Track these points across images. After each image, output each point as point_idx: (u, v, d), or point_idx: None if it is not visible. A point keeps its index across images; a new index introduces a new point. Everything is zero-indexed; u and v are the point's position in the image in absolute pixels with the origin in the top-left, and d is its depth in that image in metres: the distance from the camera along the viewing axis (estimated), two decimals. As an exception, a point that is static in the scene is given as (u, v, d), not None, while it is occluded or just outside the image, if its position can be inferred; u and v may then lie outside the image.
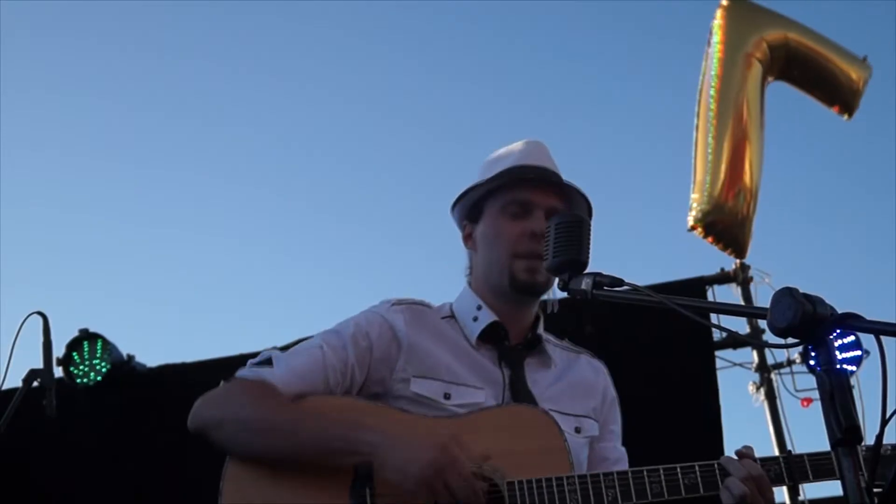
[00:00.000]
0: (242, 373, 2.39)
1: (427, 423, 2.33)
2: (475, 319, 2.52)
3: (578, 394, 2.56)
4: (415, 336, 2.45)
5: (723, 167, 6.18)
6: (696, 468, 2.27)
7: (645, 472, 2.26)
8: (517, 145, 2.63)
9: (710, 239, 6.27)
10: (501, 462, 2.26)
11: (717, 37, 6.46)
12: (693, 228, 6.25)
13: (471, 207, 2.60)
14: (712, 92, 6.38)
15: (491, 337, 2.51)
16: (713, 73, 6.41)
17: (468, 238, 2.63)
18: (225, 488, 2.30)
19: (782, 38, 6.44)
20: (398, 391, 2.40)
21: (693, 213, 6.24)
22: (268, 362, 2.39)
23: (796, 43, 6.46)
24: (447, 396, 2.39)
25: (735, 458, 2.28)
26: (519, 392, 2.45)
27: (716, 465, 2.27)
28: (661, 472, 2.26)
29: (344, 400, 2.38)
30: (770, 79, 6.54)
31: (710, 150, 6.26)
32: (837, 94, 6.59)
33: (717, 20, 6.51)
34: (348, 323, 2.47)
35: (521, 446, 2.30)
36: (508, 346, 2.52)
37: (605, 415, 2.61)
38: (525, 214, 2.51)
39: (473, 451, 2.24)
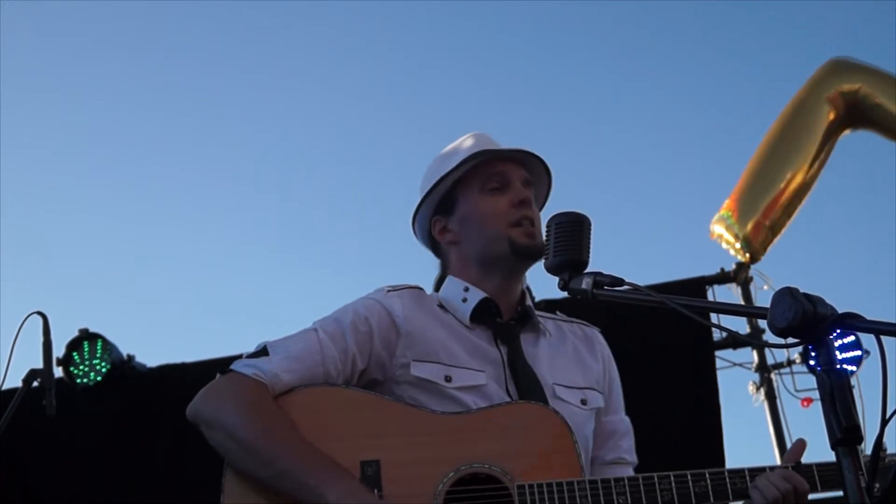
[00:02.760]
0: (239, 367, 2.35)
1: (435, 422, 2.30)
2: (464, 301, 2.52)
3: (578, 365, 2.56)
4: (412, 320, 2.44)
5: (770, 197, 6.48)
6: (707, 476, 2.24)
7: (656, 479, 2.23)
8: (464, 140, 2.63)
9: (726, 246, 6.42)
10: (510, 463, 2.24)
11: (807, 82, 6.87)
12: (714, 236, 6.49)
13: (440, 203, 2.59)
14: (783, 125, 6.76)
15: (483, 316, 2.51)
16: (790, 109, 6.79)
17: (443, 232, 2.60)
18: (226, 487, 2.28)
19: (855, 89, 6.74)
20: (399, 377, 2.39)
21: (724, 223, 6.44)
22: (263, 352, 2.36)
23: (866, 95, 6.73)
24: (448, 379, 2.38)
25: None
26: (518, 369, 2.44)
27: (726, 474, 2.25)
28: (672, 479, 2.23)
29: (347, 393, 2.35)
30: (847, 129, 6.85)
31: (762, 177, 6.56)
32: None
33: (816, 71, 6.91)
34: (346, 311, 2.45)
35: (531, 447, 2.28)
36: (501, 322, 2.52)
37: (609, 385, 2.60)
38: (504, 188, 2.53)
39: (483, 451, 2.25)
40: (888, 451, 2.31)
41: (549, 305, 5.83)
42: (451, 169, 2.56)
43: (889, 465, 2.27)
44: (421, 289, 2.59)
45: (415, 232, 2.70)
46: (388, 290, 2.51)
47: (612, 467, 2.50)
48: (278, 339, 2.40)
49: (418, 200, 2.63)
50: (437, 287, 2.64)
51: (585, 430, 2.46)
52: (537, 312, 2.59)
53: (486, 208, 2.53)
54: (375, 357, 2.40)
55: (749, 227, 6.37)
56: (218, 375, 2.38)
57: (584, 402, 2.49)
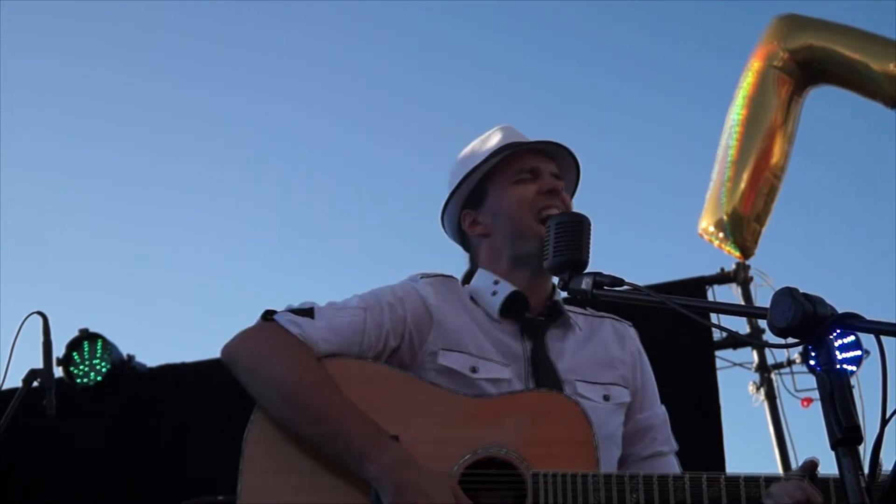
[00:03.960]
0: (284, 320, 2.35)
1: (456, 404, 2.31)
2: (494, 294, 2.51)
3: (605, 361, 2.54)
4: (443, 308, 2.45)
5: (744, 180, 6.44)
6: (721, 481, 2.23)
7: (670, 479, 2.23)
8: (491, 134, 2.63)
9: (717, 243, 6.41)
10: (527, 450, 2.25)
11: (754, 51, 6.76)
12: (703, 234, 6.52)
13: (469, 195, 2.59)
14: (740, 105, 6.67)
15: (512, 310, 2.50)
16: (744, 85, 6.69)
17: (473, 225, 2.60)
18: (247, 451, 2.28)
19: (803, 45, 6.60)
20: (427, 363, 2.40)
21: (707, 220, 6.47)
22: (308, 313, 2.37)
23: (817, 49, 6.60)
24: (474, 370, 2.38)
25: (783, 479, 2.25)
26: (541, 365, 2.43)
27: (741, 480, 2.24)
28: (686, 480, 2.23)
29: (375, 368, 2.37)
30: (809, 88, 6.72)
31: (731, 161, 6.52)
32: (875, 89, 6.60)
33: (760, 36, 6.80)
34: (385, 290, 2.47)
35: (549, 436, 2.28)
36: (530, 317, 2.51)
37: (641, 380, 2.59)
38: (535, 178, 2.54)
39: (500, 435, 2.25)
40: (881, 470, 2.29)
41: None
42: (481, 162, 2.56)
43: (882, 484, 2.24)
44: (453, 277, 2.59)
45: (444, 227, 2.70)
46: (422, 277, 2.52)
47: (649, 461, 2.50)
48: (327, 307, 2.41)
49: (447, 195, 2.62)
50: (467, 280, 2.64)
51: (609, 426, 2.44)
52: (568, 308, 2.58)
53: (514, 197, 2.53)
54: (407, 340, 2.41)
55: (735, 202, 6.38)
56: (259, 320, 2.38)
57: (606, 397, 2.47)
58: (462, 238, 2.68)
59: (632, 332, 2.67)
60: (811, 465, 2.26)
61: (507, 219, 2.53)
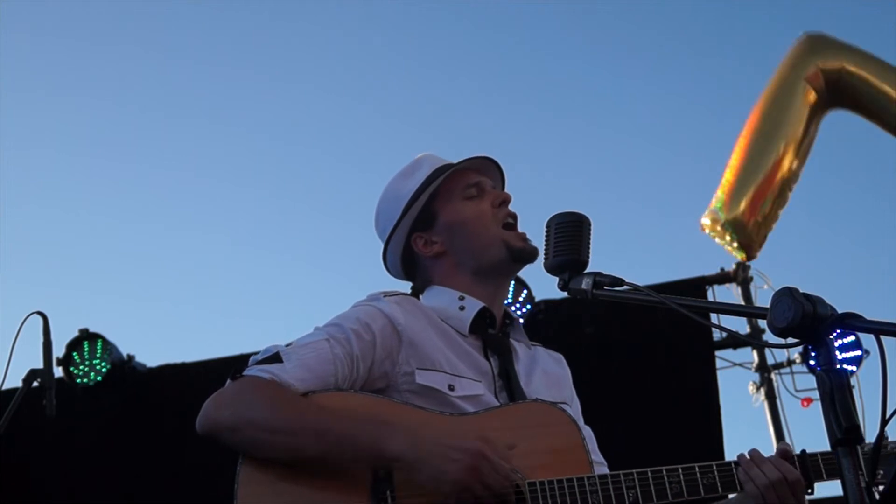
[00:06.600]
0: (254, 372, 2.31)
1: (447, 422, 2.31)
2: (462, 309, 2.52)
3: (552, 382, 2.59)
4: (413, 328, 2.43)
5: (751, 189, 6.45)
6: (714, 468, 2.27)
7: (664, 472, 2.25)
8: (418, 161, 2.67)
9: (720, 240, 6.41)
10: (521, 461, 2.25)
11: (783, 61, 6.81)
12: (705, 229, 6.50)
13: (417, 220, 2.60)
14: (764, 108, 6.70)
15: (478, 326, 2.52)
16: (769, 92, 6.73)
17: (427, 245, 2.60)
18: (240, 491, 2.25)
19: (838, 67, 6.67)
20: (402, 384, 2.38)
21: (712, 214, 6.44)
22: (275, 358, 2.33)
23: (851, 74, 6.67)
24: (451, 388, 2.38)
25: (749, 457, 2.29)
26: (509, 380, 2.46)
27: (733, 465, 2.28)
28: (681, 471, 2.26)
29: (358, 397, 2.35)
30: (828, 109, 6.79)
31: (747, 162, 6.53)
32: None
33: (791, 49, 6.85)
34: (348, 317, 2.43)
35: (540, 445, 2.29)
36: (493, 334, 2.53)
37: (571, 399, 2.65)
38: (481, 193, 2.58)
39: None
40: (889, 440, 2.33)
41: (550, 305, 5.84)
42: (429, 182, 2.57)
43: (892, 453, 2.28)
44: (414, 296, 2.60)
45: (385, 261, 2.69)
46: (386, 296, 2.50)
47: None
48: (291, 347, 2.37)
49: (390, 224, 2.61)
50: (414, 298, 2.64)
51: None
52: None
53: (472, 211, 2.56)
54: (378, 364, 2.39)
55: (738, 211, 6.36)
56: (228, 382, 2.34)
57: None
58: (407, 267, 2.67)
59: (562, 357, 2.72)
60: (785, 455, 2.30)
61: (468, 233, 2.55)
